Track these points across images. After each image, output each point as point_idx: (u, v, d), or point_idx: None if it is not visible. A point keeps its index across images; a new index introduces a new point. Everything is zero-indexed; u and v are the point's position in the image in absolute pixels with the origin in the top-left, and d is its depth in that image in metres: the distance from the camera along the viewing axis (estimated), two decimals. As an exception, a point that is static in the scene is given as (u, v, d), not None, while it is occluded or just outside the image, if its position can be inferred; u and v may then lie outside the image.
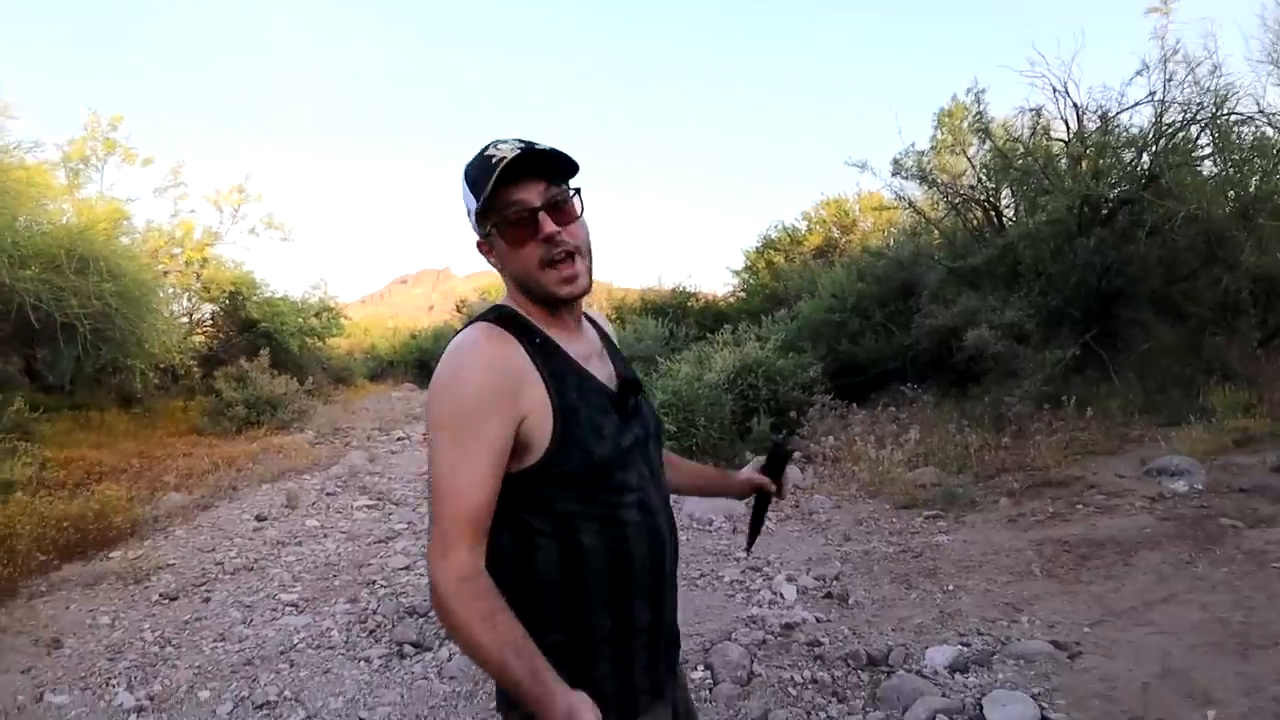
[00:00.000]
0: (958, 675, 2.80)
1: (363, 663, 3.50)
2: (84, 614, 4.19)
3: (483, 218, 1.09)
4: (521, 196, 1.05)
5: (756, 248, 15.06)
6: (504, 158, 1.02)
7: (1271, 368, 6.38)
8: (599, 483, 1.09)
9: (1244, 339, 6.80)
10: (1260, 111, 6.94)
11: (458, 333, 1.11)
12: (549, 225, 1.05)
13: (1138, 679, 2.62)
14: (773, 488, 1.48)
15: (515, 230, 1.07)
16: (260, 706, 3.14)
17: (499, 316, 1.10)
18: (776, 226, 14.99)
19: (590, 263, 1.13)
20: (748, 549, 1.63)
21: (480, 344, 1.06)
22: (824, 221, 14.45)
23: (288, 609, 4.25)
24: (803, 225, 14.78)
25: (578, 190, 1.10)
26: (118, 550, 5.24)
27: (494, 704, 2.95)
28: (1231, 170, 7.05)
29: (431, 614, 4.00)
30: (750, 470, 1.47)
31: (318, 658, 3.58)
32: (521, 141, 1.04)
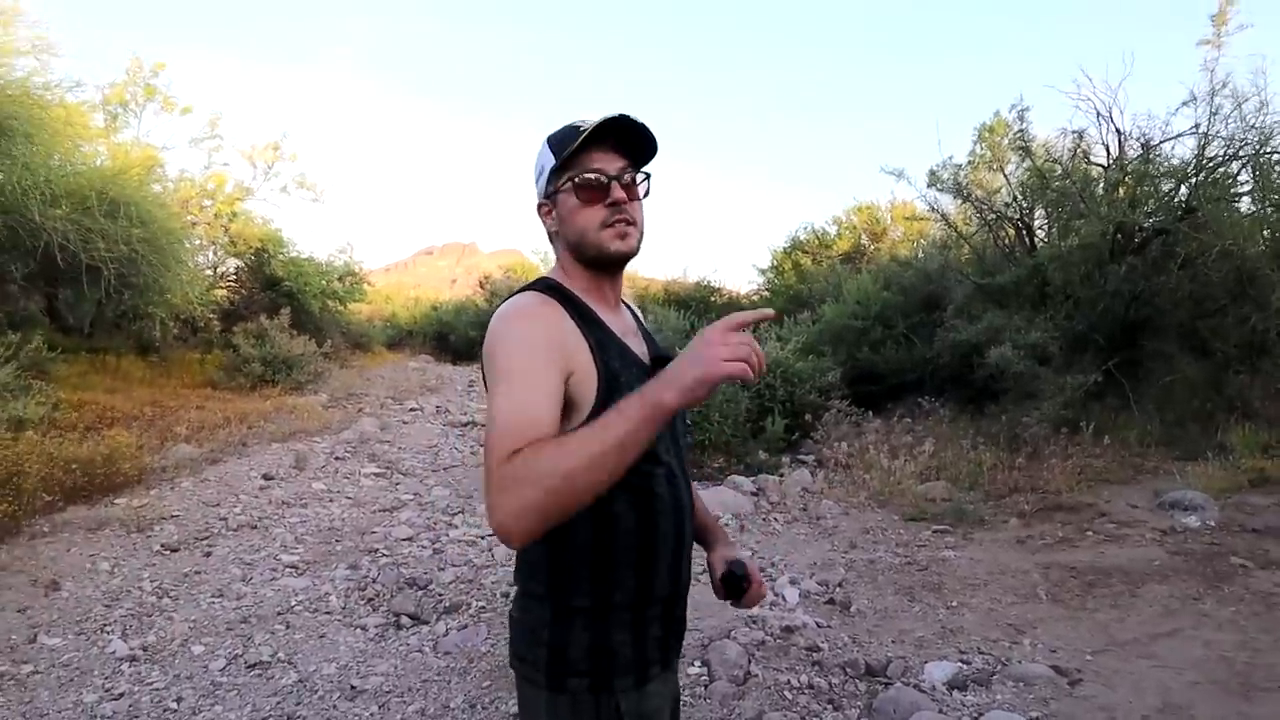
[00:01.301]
0: (956, 693, 2.77)
1: (359, 630, 3.52)
2: (84, 558, 4.24)
3: (555, 175, 1.15)
4: (601, 164, 1.12)
5: (784, 248, 14.97)
6: (594, 123, 1.10)
7: (1295, 410, 6.27)
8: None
9: (1268, 379, 6.68)
10: (1303, 153, 6.81)
11: (505, 300, 1.14)
12: (618, 192, 1.12)
13: (1137, 711, 2.58)
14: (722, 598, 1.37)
15: (588, 191, 1.13)
16: (253, 666, 3.16)
17: (545, 287, 1.15)
18: (806, 229, 14.91)
19: (641, 239, 1.18)
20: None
21: (533, 305, 1.10)
22: (854, 227, 14.35)
23: (287, 570, 4.27)
24: (833, 229, 14.68)
25: (648, 175, 1.18)
26: (123, 497, 5.28)
27: (486, 683, 2.96)
28: (1269, 209, 6.92)
29: (430, 586, 4.01)
30: (719, 569, 1.35)
31: (314, 622, 3.60)
32: (610, 115, 1.11)
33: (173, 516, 5.02)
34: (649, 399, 0.91)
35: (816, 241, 14.58)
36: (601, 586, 1.13)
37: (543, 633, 1.14)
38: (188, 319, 10.55)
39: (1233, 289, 6.61)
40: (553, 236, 1.21)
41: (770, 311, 1.05)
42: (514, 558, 1.25)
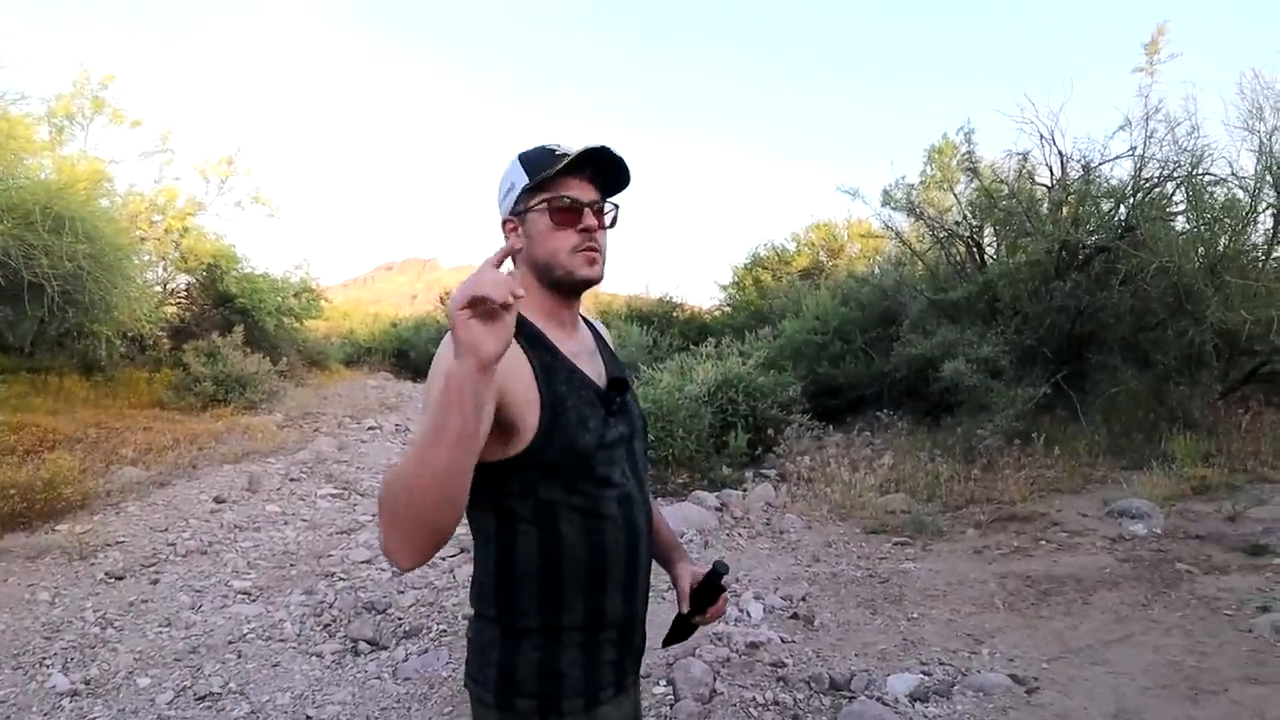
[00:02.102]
0: (918, 704, 2.80)
1: (314, 658, 3.42)
2: (23, 588, 4.06)
3: (527, 195, 1.16)
4: (576, 191, 1.15)
5: (745, 264, 15.14)
6: (570, 152, 1.13)
7: (1230, 420, 6.54)
8: (582, 473, 1.12)
9: (1206, 390, 6.98)
10: (1233, 174, 7.18)
11: None
12: (591, 220, 1.15)
13: (1092, 718, 2.65)
14: (686, 610, 1.34)
15: (562, 214, 1.14)
16: (202, 698, 3.05)
17: None
18: (766, 245, 15.11)
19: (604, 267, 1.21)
20: (663, 644, 1.43)
21: None
22: (813, 244, 14.59)
23: (240, 597, 4.14)
24: (792, 246, 14.90)
25: (616, 207, 1.22)
26: (65, 523, 5.08)
27: (448, 709, 2.90)
28: (1203, 228, 7.25)
29: (390, 610, 3.93)
30: (686, 579, 1.34)
31: (267, 650, 3.49)
32: (592, 145, 1.15)
33: (118, 543, 4.84)
34: (443, 401, 0.88)
35: (776, 258, 14.78)
36: (549, 609, 1.13)
37: (493, 653, 1.14)
38: (135, 337, 10.21)
39: (1171, 304, 6.90)
40: (518, 251, 1.19)
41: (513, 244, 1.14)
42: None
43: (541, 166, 1.13)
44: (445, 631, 3.68)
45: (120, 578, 4.34)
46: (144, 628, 3.72)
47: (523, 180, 1.15)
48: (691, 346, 9.48)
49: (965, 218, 8.66)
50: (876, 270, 10.83)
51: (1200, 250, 7.06)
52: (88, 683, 3.15)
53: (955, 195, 8.87)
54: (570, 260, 1.15)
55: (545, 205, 1.14)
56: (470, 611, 1.24)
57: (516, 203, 1.17)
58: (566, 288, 1.18)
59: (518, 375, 1.07)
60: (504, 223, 1.20)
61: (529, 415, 1.07)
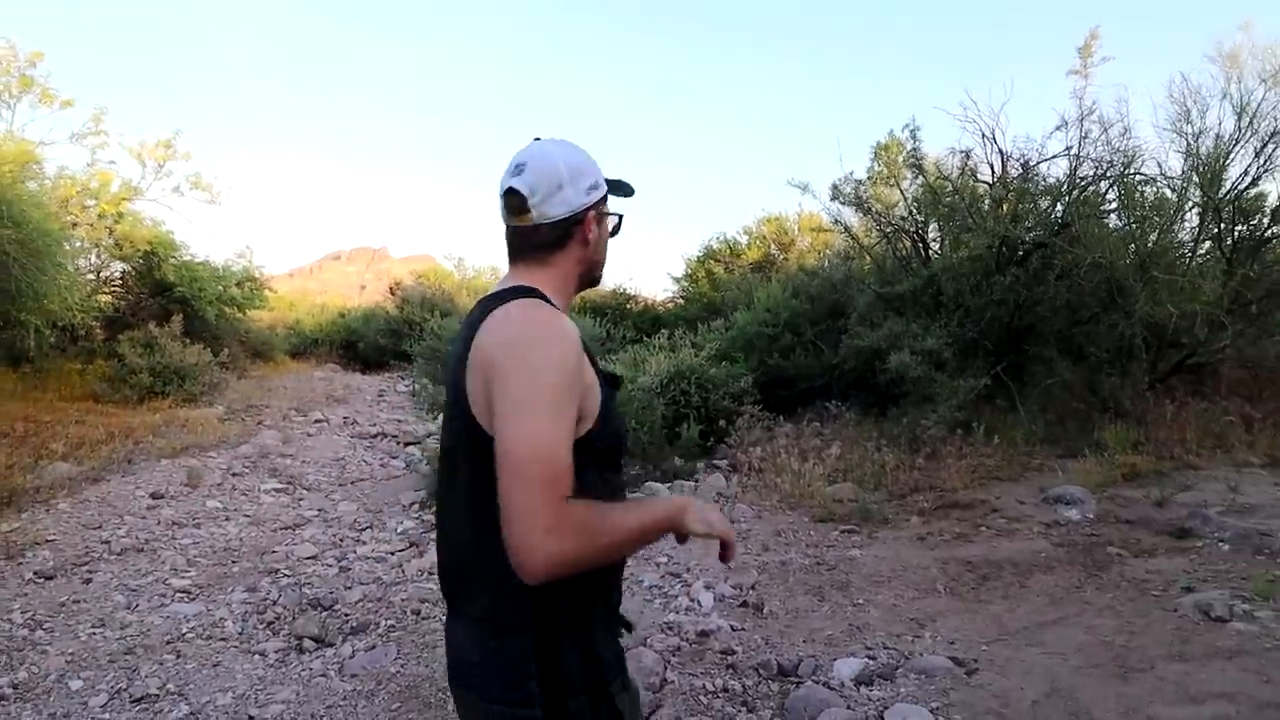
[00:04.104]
0: (863, 688, 2.88)
1: (257, 656, 3.35)
2: (-54, 589, 3.87)
3: (602, 201, 1.26)
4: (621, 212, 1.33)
5: (698, 257, 15.23)
6: (628, 183, 1.32)
7: (1158, 409, 6.84)
8: (615, 459, 1.24)
9: (1136, 381, 7.28)
10: (1162, 174, 7.53)
11: (491, 305, 1.15)
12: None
13: (1028, 697, 2.75)
14: None
15: (615, 231, 1.32)
16: (139, 700, 2.95)
17: (542, 298, 1.17)
18: (719, 238, 15.22)
19: None
20: None
21: (565, 325, 1.11)
22: (764, 237, 14.74)
23: (178, 595, 4.02)
24: (743, 239, 15.04)
25: None
26: (-9, 522, 4.85)
27: (395, 705, 2.87)
28: (1134, 225, 7.58)
29: (336, 606, 3.86)
30: None
31: (207, 649, 3.40)
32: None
33: (48, 541, 4.65)
34: (676, 516, 1.12)
35: (728, 250, 14.91)
36: (583, 597, 1.14)
37: (527, 666, 1.10)
38: (66, 327, 9.76)
39: (1104, 298, 7.19)
40: (565, 244, 1.22)
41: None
42: (448, 587, 1.22)
43: (608, 182, 1.27)
44: (394, 627, 3.63)
45: (50, 577, 4.16)
46: (76, 629, 3.58)
47: (603, 185, 1.25)
48: (645, 338, 9.50)
49: (911, 213, 8.85)
50: (826, 264, 11.00)
51: (1131, 247, 7.37)
52: (15, 687, 3.03)
53: (902, 191, 9.05)
54: (603, 269, 1.31)
55: (613, 218, 1.30)
56: (425, 605, 1.22)
57: (597, 200, 1.24)
58: (588, 286, 1.31)
59: (588, 366, 1.13)
60: (587, 210, 1.22)
61: (592, 400, 1.12)
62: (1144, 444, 6.15)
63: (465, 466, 1.14)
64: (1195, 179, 7.28)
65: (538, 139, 1.24)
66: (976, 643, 3.28)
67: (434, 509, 1.29)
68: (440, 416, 1.23)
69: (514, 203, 1.19)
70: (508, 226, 1.23)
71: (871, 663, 3.08)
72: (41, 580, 4.11)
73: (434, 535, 1.36)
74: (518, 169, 1.19)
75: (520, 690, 1.10)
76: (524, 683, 1.10)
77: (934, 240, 9.03)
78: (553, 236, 1.21)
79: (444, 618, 1.29)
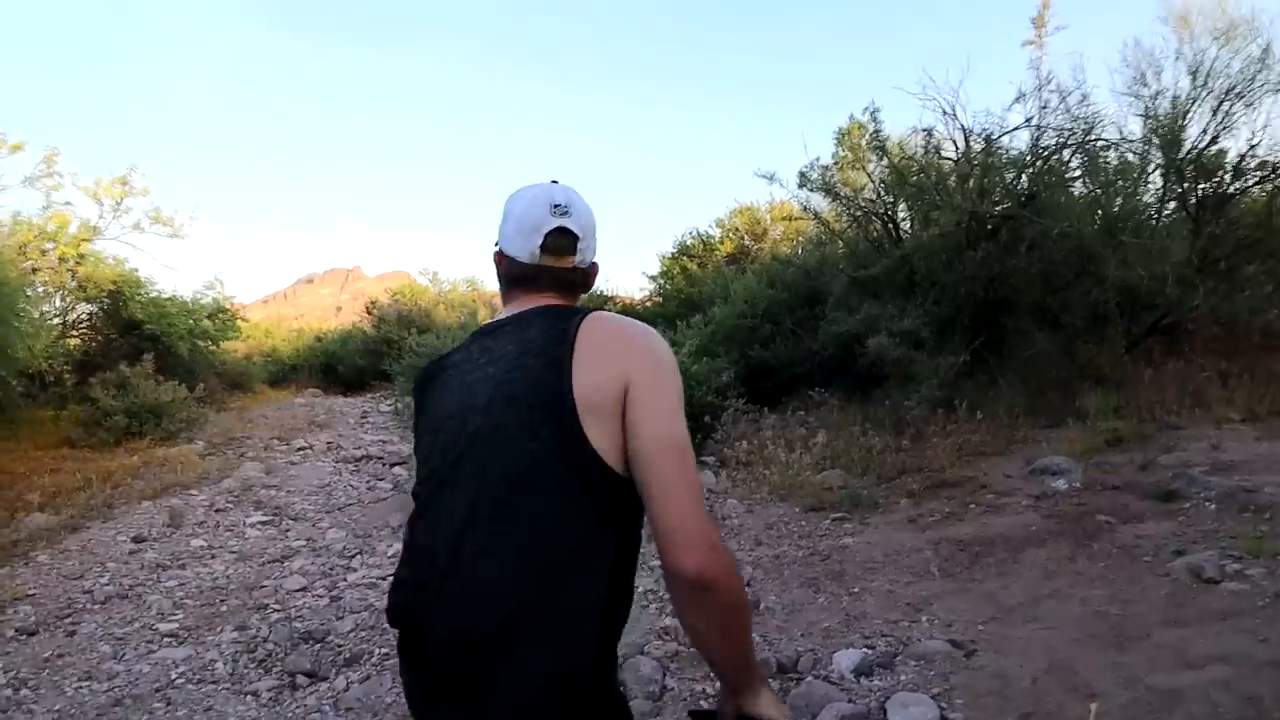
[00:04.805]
0: (863, 679, 2.87)
1: (249, 697, 3.27)
2: (-76, 655, 3.75)
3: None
4: None
5: (672, 253, 15.19)
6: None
7: (1136, 372, 6.92)
8: None
9: (1113, 346, 7.37)
10: (1123, 138, 7.61)
11: (578, 314, 1.15)
12: None
13: (1028, 674, 2.75)
14: None
15: None
16: (131, 752, 2.88)
17: None
18: (692, 234, 15.18)
19: None
20: None
21: None
22: (737, 229, 14.73)
23: (166, 640, 3.93)
24: (716, 233, 15.02)
25: None
26: (-33, 581, 4.72)
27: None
28: (1098, 191, 7.64)
29: (329, 638, 3.80)
30: None
31: (198, 694, 3.32)
32: None
33: (28, 596, 4.53)
34: (757, 681, 1.06)
35: (702, 245, 14.88)
36: (627, 600, 1.13)
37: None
38: (35, 374, 9.56)
39: (1075, 266, 7.25)
40: (588, 286, 1.29)
41: None
42: (469, 663, 1.02)
43: None
44: (388, 656, 3.57)
45: (33, 633, 4.05)
46: (62, 684, 3.49)
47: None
48: (625, 339, 9.43)
49: (879, 195, 8.87)
50: (800, 251, 11.03)
51: (1098, 213, 7.44)
52: (1, 751, 2.94)
53: (868, 174, 9.07)
54: None
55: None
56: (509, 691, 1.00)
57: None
58: None
59: None
60: (593, 264, 1.28)
61: None
62: (1125, 408, 6.21)
63: (546, 489, 1.02)
64: (1155, 141, 7.37)
65: (555, 181, 1.23)
66: (973, 623, 3.27)
67: (424, 558, 1.13)
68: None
69: (564, 243, 1.18)
70: (539, 265, 1.20)
71: (870, 652, 3.07)
72: (23, 637, 4.01)
73: None
74: (562, 210, 1.18)
75: None
76: None
77: (904, 220, 9.06)
78: (580, 279, 1.24)
79: None
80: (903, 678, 2.85)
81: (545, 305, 1.19)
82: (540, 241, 1.18)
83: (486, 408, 1.08)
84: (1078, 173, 7.79)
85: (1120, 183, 7.53)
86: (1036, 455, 5.59)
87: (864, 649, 3.11)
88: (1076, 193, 7.71)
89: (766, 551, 4.55)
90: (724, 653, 1.01)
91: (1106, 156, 7.68)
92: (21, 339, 7.97)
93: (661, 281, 15.14)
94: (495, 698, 1.00)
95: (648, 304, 15.03)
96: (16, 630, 4.06)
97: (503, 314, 1.23)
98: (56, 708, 3.25)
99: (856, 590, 3.82)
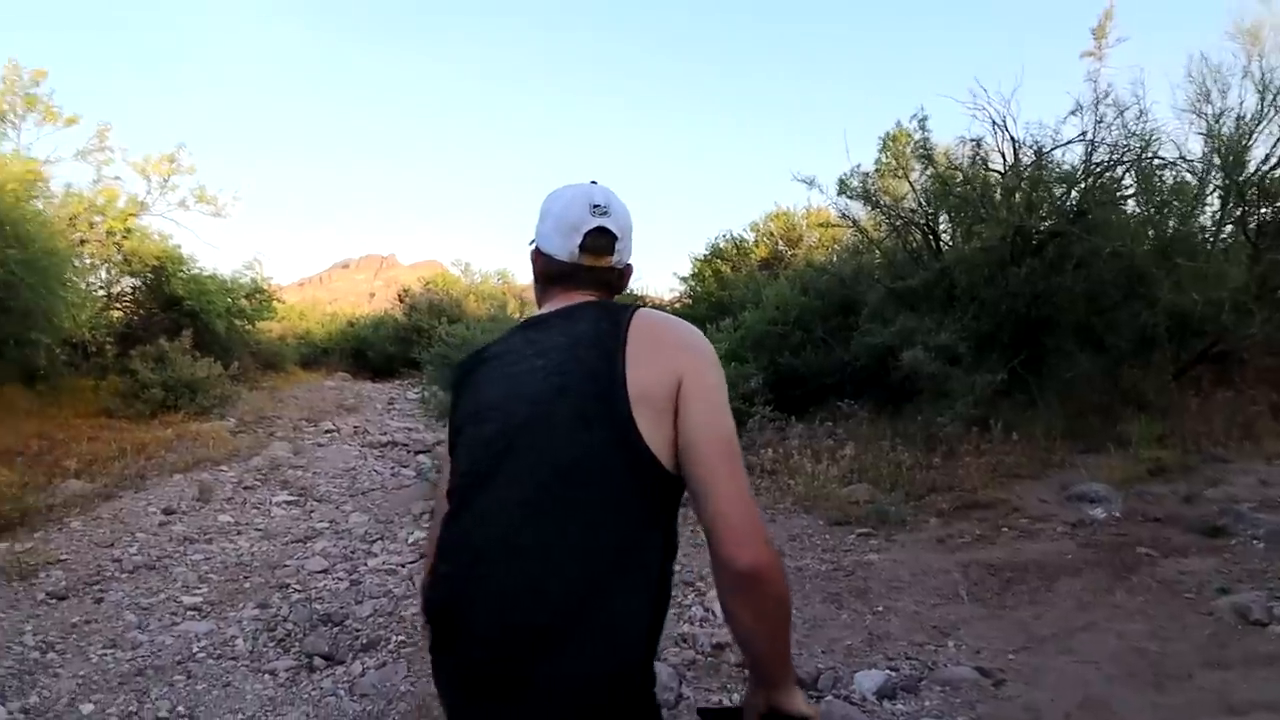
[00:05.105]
0: (886, 702, 2.79)
1: (267, 676, 3.29)
2: (-44, 613, 3.84)
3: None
4: None
5: (704, 256, 15.09)
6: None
7: (1183, 400, 6.68)
8: None
9: (1159, 372, 7.12)
10: (1181, 157, 7.34)
11: (628, 309, 1.14)
12: None
13: (1060, 709, 2.65)
14: None
15: None
16: (149, 723, 2.91)
17: None
18: (725, 236, 15.06)
19: None
20: None
21: None
22: (771, 234, 14.58)
23: (189, 613, 3.98)
24: (750, 236, 14.89)
25: None
26: (4, 541, 4.85)
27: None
28: (1153, 211, 7.40)
29: (347, 622, 3.81)
30: None
31: (218, 669, 3.35)
32: None
33: (60, 560, 4.63)
34: (791, 679, 1.07)
35: (735, 249, 14.76)
36: (658, 639, 1.14)
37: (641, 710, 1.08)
38: (79, 343, 9.80)
39: (1124, 287, 7.01)
40: (623, 286, 1.28)
41: None
42: (515, 663, 0.99)
43: None
44: (404, 643, 3.57)
45: (62, 598, 4.14)
46: (87, 650, 3.55)
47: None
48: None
49: (921, 205, 8.69)
50: (835, 259, 10.87)
51: (1151, 233, 7.20)
52: (26, 711, 2.99)
53: (910, 182, 8.89)
54: None
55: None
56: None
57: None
58: None
59: None
60: (628, 265, 1.28)
61: None
62: (1169, 437, 5.99)
63: (599, 481, 1.02)
64: (1216, 161, 7.10)
65: (594, 182, 1.22)
66: (1003, 651, 3.17)
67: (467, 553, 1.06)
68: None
69: (603, 243, 1.18)
70: (577, 264, 1.19)
71: (894, 674, 2.99)
72: (54, 601, 4.09)
73: None
74: (602, 211, 1.17)
75: None
76: None
77: (945, 232, 8.86)
78: (616, 278, 1.24)
79: None
80: (927, 703, 2.76)
81: (591, 300, 1.18)
82: (579, 241, 1.17)
83: (536, 398, 1.07)
84: (1131, 191, 7.55)
85: (1176, 203, 7.28)
86: (1074, 481, 5.42)
87: (887, 670, 3.02)
88: (1129, 211, 7.47)
89: (789, 563, 4.47)
90: (767, 646, 1.03)
91: (1163, 175, 7.43)
92: (67, 309, 8.19)
93: (692, 283, 15.05)
94: (547, 694, 0.98)
95: (677, 305, 14.96)
96: (48, 594, 4.15)
97: (545, 309, 1.22)
98: (81, 673, 3.30)
99: (881, 609, 3.73)
